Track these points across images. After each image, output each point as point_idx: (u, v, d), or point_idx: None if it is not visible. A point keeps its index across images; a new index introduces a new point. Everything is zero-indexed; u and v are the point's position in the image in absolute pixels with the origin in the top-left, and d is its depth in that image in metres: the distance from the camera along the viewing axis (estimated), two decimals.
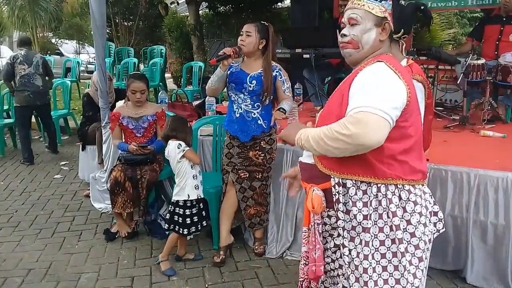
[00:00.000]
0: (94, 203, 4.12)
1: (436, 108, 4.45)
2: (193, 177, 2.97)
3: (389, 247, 1.53)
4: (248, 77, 2.89)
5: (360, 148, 1.41)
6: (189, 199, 2.95)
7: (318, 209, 1.60)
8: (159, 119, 3.58)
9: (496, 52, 4.42)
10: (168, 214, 3.04)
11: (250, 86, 2.88)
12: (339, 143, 1.41)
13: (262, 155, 2.99)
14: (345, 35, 1.63)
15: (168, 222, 3.01)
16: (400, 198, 1.53)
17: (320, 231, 1.64)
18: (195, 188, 2.97)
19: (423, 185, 1.60)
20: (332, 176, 1.58)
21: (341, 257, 1.62)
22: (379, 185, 1.53)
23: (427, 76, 4.67)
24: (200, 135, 3.60)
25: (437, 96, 4.65)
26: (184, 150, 2.91)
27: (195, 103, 4.67)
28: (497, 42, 4.47)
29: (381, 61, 1.52)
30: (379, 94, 1.43)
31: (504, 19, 4.46)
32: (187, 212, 2.96)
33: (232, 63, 2.97)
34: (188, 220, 2.96)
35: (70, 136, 6.93)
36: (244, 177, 3.03)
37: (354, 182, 1.55)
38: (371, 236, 1.54)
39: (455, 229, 2.73)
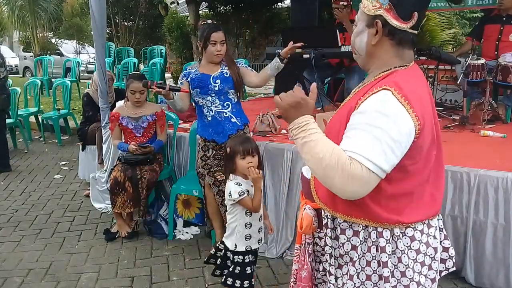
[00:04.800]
0: (94, 203, 4.13)
1: (436, 108, 4.44)
2: (245, 226, 2.34)
3: (376, 283, 1.40)
4: (211, 78, 2.89)
5: (337, 191, 1.27)
6: (236, 249, 2.35)
7: (306, 230, 1.48)
8: (158, 118, 3.58)
9: (496, 52, 4.42)
10: (220, 258, 2.43)
11: (216, 86, 2.87)
12: (320, 173, 1.28)
13: None
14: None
15: (220, 267, 2.43)
16: (392, 232, 1.37)
17: (310, 251, 1.53)
18: (246, 238, 2.35)
19: (431, 218, 1.41)
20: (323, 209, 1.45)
21: (328, 281, 1.50)
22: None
23: (427, 76, 4.68)
24: None
25: (437, 96, 4.64)
26: (235, 199, 2.27)
27: None
28: (497, 42, 4.46)
29: (389, 89, 1.27)
30: (378, 142, 1.23)
31: (504, 18, 4.46)
32: (236, 259, 2.37)
33: (189, 69, 3.00)
34: (237, 269, 2.36)
35: (70, 136, 6.93)
36: (221, 179, 2.89)
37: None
38: (356, 269, 1.41)
39: (455, 229, 2.73)
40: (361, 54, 1.42)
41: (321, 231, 1.49)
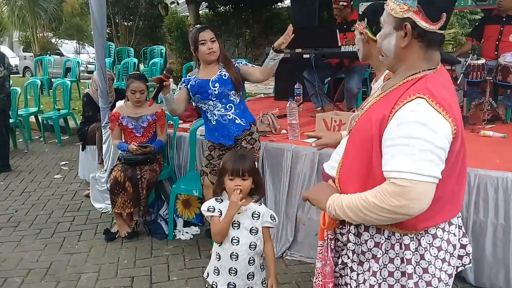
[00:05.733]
0: (94, 203, 4.13)
1: None
2: (216, 255, 2.03)
3: (398, 279, 1.43)
4: (210, 83, 2.86)
5: (406, 217, 1.28)
6: (207, 278, 2.09)
7: (329, 226, 1.52)
8: (158, 118, 3.58)
9: (496, 52, 4.42)
10: None
11: (215, 90, 2.84)
12: (382, 215, 1.28)
13: None
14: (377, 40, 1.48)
15: None
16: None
17: (332, 247, 1.56)
18: (214, 271, 2.03)
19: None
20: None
21: (347, 275, 1.53)
22: None
23: None
24: (200, 135, 3.60)
25: None
26: (203, 211, 2.04)
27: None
28: (497, 42, 4.46)
29: (422, 97, 1.26)
30: (424, 153, 1.23)
31: (504, 19, 4.46)
32: None
33: (189, 76, 2.99)
34: None
35: (70, 136, 6.94)
36: None
37: None
38: (380, 266, 1.44)
39: None
40: (389, 56, 1.41)
41: (343, 227, 1.51)
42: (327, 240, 1.56)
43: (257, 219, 2.00)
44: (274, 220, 2.04)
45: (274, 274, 2.04)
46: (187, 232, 3.52)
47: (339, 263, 1.56)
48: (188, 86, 2.95)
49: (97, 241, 3.47)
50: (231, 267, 1.98)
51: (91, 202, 4.16)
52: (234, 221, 1.97)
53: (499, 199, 2.60)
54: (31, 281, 2.91)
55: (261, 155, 3.28)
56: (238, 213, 1.96)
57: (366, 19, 2.21)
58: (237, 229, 1.98)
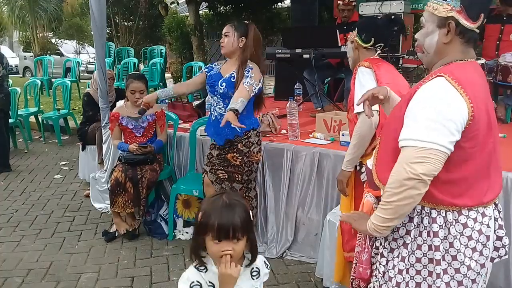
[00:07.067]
0: (94, 203, 4.13)
1: None
2: None
3: (426, 265, 1.49)
4: (220, 80, 2.85)
5: (420, 183, 1.35)
6: None
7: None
8: (158, 118, 3.58)
9: (496, 52, 4.42)
10: None
11: (221, 89, 2.84)
12: (400, 190, 1.36)
13: (240, 157, 2.88)
14: (417, 39, 1.59)
15: None
16: (445, 219, 1.45)
17: (371, 236, 1.64)
18: None
19: (485, 207, 1.49)
20: (381, 189, 1.57)
21: (378, 261, 1.61)
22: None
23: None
24: (200, 135, 3.61)
25: None
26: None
27: (195, 103, 4.68)
28: (498, 42, 4.46)
29: (442, 76, 1.39)
30: (429, 122, 1.34)
31: (505, 18, 4.46)
32: None
33: (215, 64, 3.02)
34: None
35: (70, 136, 6.94)
36: (223, 177, 2.92)
37: None
38: (409, 252, 1.51)
39: None
40: (429, 53, 1.53)
41: None
42: None
43: (257, 277, 1.52)
44: (268, 267, 1.59)
45: None
46: (187, 232, 3.52)
47: (373, 248, 1.67)
48: (208, 74, 2.97)
49: (97, 241, 3.47)
50: None
51: (91, 202, 4.16)
52: None
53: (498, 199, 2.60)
54: (31, 281, 2.92)
55: (261, 155, 3.27)
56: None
57: (356, 29, 2.36)
58: None
